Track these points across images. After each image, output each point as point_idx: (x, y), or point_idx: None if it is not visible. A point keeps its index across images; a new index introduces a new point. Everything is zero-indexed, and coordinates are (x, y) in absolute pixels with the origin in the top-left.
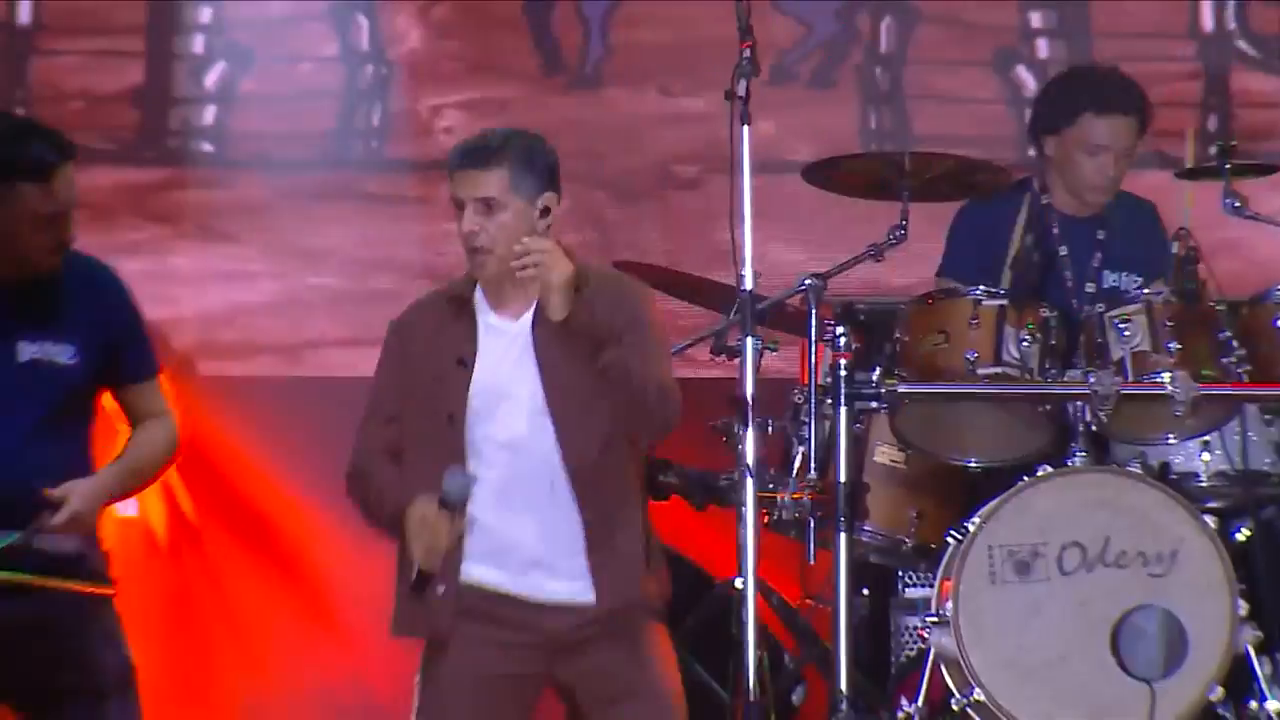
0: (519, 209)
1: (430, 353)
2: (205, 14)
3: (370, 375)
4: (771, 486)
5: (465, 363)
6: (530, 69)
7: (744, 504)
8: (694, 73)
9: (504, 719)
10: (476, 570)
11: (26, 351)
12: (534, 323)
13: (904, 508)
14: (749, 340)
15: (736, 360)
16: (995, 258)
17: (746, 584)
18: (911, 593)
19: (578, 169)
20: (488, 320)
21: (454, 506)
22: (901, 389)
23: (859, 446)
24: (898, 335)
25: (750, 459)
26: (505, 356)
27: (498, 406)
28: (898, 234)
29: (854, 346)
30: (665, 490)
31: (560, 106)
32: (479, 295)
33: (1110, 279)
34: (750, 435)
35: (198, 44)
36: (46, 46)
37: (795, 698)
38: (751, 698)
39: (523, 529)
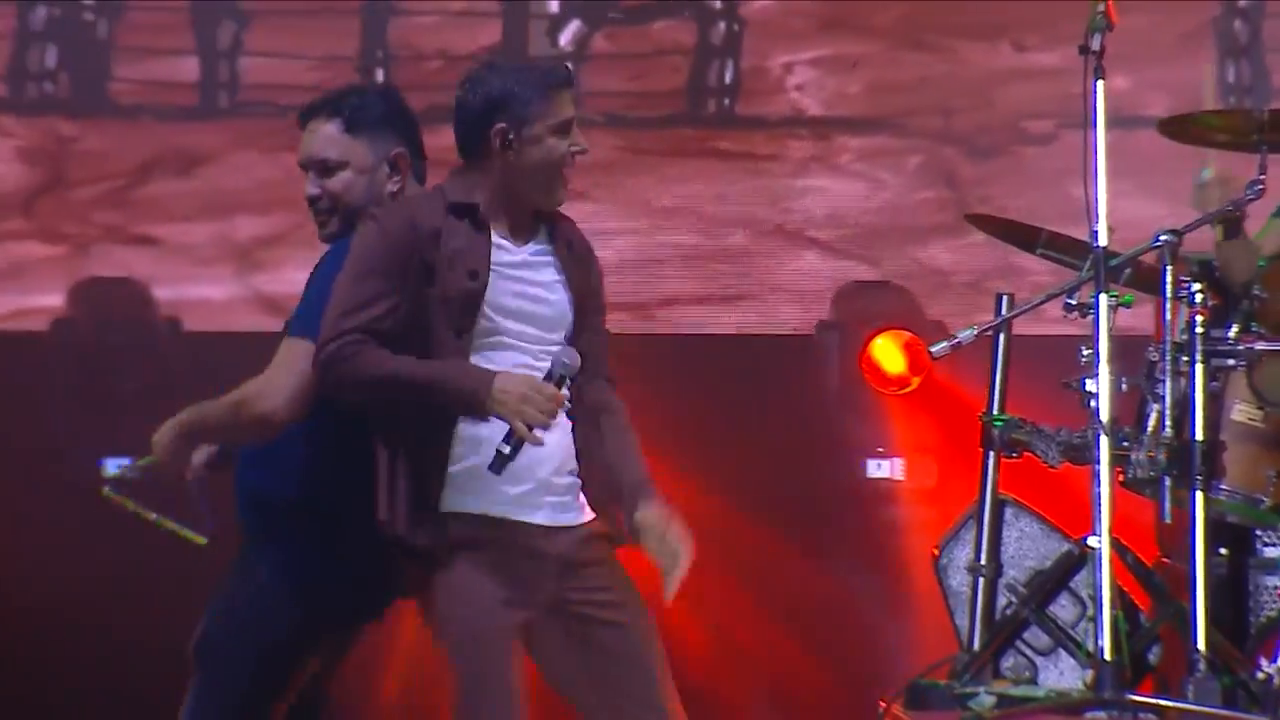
0: None
1: (443, 253)
2: None
3: (723, 333)
4: (1126, 444)
5: (477, 276)
6: (883, 25)
7: (1098, 462)
8: (1047, 27)
9: None
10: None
11: None
12: (554, 253)
13: (1262, 466)
14: (1102, 297)
15: (1089, 317)
16: None
17: (1101, 542)
18: (1270, 552)
19: (930, 125)
20: (497, 239)
21: (561, 381)
22: (1259, 346)
23: (1215, 404)
24: (1255, 291)
25: (1104, 417)
26: (517, 278)
27: (508, 324)
28: (1256, 189)
29: (1210, 303)
30: (1019, 448)
31: (912, 63)
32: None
33: None
34: (1105, 393)
35: (553, 4)
36: (405, 7)
37: (1151, 657)
38: (1107, 657)
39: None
